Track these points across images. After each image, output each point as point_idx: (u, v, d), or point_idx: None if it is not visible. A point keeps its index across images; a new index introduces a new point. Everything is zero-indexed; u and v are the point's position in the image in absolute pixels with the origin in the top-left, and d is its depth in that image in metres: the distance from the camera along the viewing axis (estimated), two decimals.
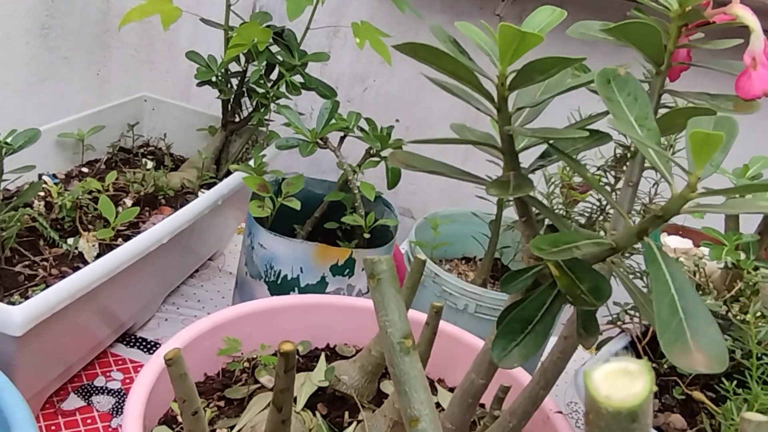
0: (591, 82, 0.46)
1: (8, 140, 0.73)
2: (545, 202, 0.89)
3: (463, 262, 1.11)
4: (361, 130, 0.98)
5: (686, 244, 1.13)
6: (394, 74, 1.59)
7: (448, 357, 0.83)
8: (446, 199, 1.51)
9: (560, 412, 0.73)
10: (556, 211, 0.91)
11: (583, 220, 0.84)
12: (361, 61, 1.72)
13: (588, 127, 0.52)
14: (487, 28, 0.46)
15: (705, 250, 0.91)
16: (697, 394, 0.74)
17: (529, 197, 0.48)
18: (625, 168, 0.76)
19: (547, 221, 0.53)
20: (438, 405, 0.81)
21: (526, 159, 0.51)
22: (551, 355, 0.57)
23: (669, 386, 0.78)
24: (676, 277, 0.40)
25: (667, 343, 0.37)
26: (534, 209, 0.50)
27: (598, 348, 0.86)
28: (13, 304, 0.65)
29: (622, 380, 0.20)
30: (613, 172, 0.76)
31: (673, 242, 1.12)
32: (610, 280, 0.51)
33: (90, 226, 0.88)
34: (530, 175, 0.62)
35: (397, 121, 1.91)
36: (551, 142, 0.47)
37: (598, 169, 0.78)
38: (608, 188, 0.77)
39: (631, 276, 0.69)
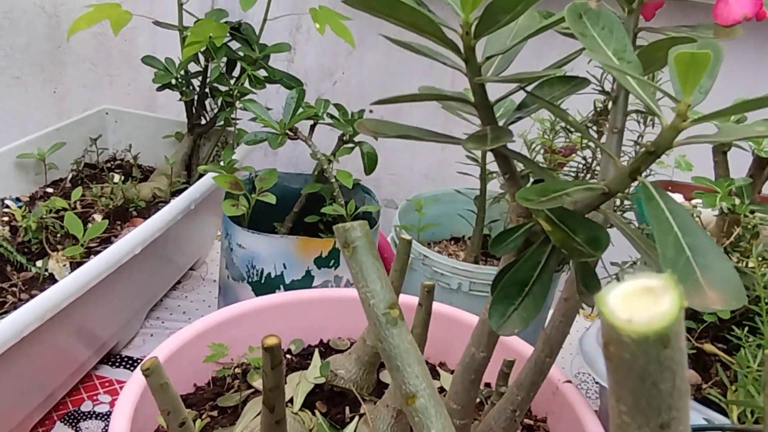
0: (563, 20, 0.43)
1: None
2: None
3: (452, 242, 1.08)
4: (331, 117, 0.95)
5: (678, 198, 1.10)
6: (362, 64, 1.55)
7: (446, 339, 0.79)
8: (430, 185, 1.48)
9: (569, 381, 0.70)
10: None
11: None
12: (328, 55, 1.68)
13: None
14: None
15: (698, 202, 0.89)
16: (709, 347, 0.72)
17: (511, 151, 0.45)
18: (608, 119, 0.73)
19: (532, 176, 0.50)
20: (441, 390, 0.77)
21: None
22: (553, 320, 0.54)
23: None
24: (677, 214, 0.37)
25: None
26: (518, 165, 0.47)
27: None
28: None
29: (643, 300, 0.17)
30: (595, 127, 0.73)
31: None
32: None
33: (59, 246, 0.84)
34: (510, 144, 0.59)
35: (370, 111, 1.88)
36: (527, 89, 0.44)
37: (571, 133, 0.75)
38: (592, 144, 0.74)
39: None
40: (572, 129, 0.86)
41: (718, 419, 0.59)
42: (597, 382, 0.68)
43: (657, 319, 0.17)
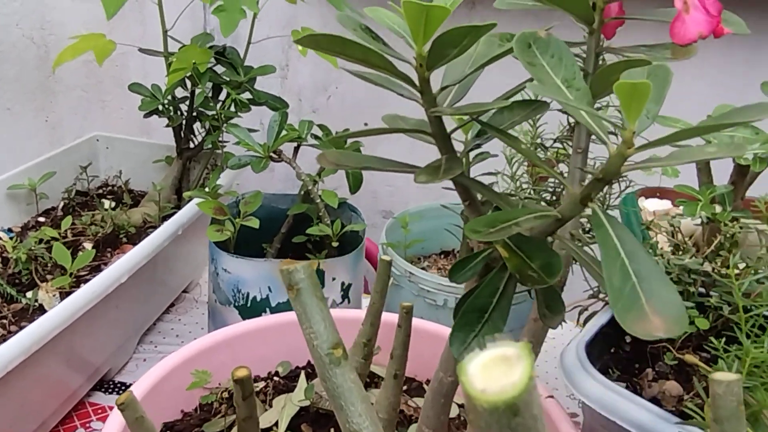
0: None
1: None
2: (510, 183, 0.86)
3: (442, 256, 1.08)
4: (315, 137, 0.96)
5: (665, 205, 1.11)
6: (356, 78, 1.57)
7: (432, 355, 0.80)
8: (428, 195, 1.49)
9: (551, 396, 0.71)
10: (524, 189, 0.88)
11: (549, 197, 0.81)
12: (321, 70, 1.70)
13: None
14: (396, 9, 0.44)
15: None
16: (690, 357, 0.72)
17: (469, 180, 0.46)
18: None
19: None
20: None
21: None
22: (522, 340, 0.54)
23: (660, 353, 0.75)
24: (625, 241, 0.38)
25: (622, 311, 0.35)
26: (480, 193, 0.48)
27: (584, 324, 0.83)
28: None
29: (499, 369, 0.17)
30: (570, 142, 0.73)
31: (651, 205, 1.10)
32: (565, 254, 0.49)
33: (49, 276, 0.86)
34: (494, 158, 0.60)
35: (365, 124, 1.89)
36: (480, 118, 0.45)
37: (555, 141, 0.76)
38: (568, 159, 0.75)
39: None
40: (554, 139, 0.87)
41: None
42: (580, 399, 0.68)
43: (508, 389, 0.17)
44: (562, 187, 0.78)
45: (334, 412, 0.32)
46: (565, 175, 0.78)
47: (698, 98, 0.95)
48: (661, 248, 0.82)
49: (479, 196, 0.47)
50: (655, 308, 0.35)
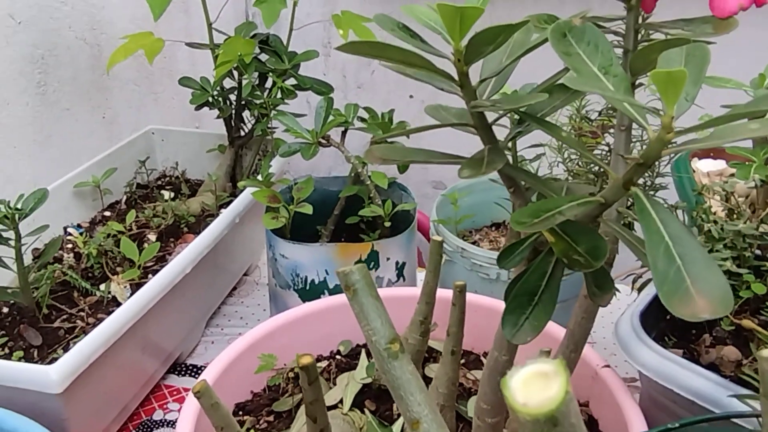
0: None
1: (18, 206, 0.75)
2: (557, 155, 0.87)
3: (493, 228, 1.10)
4: (362, 120, 0.97)
5: (719, 165, 1.08)
6: None
7: (489, 329, 0.81)
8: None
9: (607, 366, 0.72)
10: (572, 159, 0.89)
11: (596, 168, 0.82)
12: None
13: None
14: (432, 7, 0.45)
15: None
16: (747, 322, 0.72)
17: (511, 168, 0.47)
18: None
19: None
20: None
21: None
22: (575, 316, 0.56)
23: (716, 320, 0.76)
24: (668, 224, 0.39)
25: (668, 294, 0.36)
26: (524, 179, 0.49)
27: (640, 290, 0.83)
28: (55, 360, 0.68)
29: (538, 384, 0.19)
30: (614, 113, 0.73)
31: (704, 166, 1.08)
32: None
33: (119, 269, 0.91)
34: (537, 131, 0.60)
35: (411, 96, 1.89)
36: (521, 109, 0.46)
37: (600, 113, 0.76)
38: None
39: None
40: (599, 111, 0.87)
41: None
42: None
43: (546, 403, 0.19)
44: (608, 160, 0.78)
45: (395, 402, 0.34)
46: (611, 147, 0.78)
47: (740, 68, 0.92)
48: (715, 213, 0.81)
49: (523, 183, 0.48)
50: (701, 290, 0.36)
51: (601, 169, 0.77)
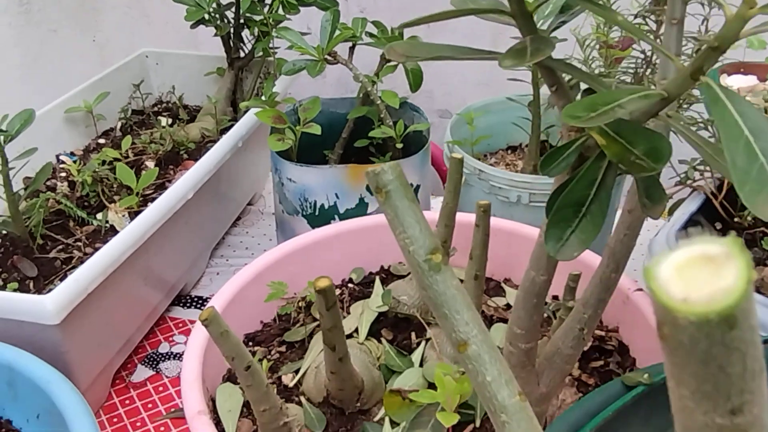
0: None
1: (3, 127, 0.69)
2: (583, 68, 0.80)
3: (509, 152, 1.04)
4: (371, 35, 0.90)
5: (750, 81, 1.02)
6: None
7: (509, 254, 0.77)
8: (484, 92, 1.43)
9: (640, 290, 0.68)
10: (600, 74, 0.82)
11: (628, 80, 0.76)
12: None
13: None
14: None
15: None
16: None
17: (555, 61, 0.41)
18: (665, 7, 0.67)
19: (582, 85, 0.46)
20: (509, 306, 0.76)
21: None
22: (616, 233, 0.51)
23: (757, 239, 0.71)
24: (747, 117, 0.33)
25: (750, 194, 0.31)
26: (564, 75, 0.43)
27: (671, 212, 0.79)
28: (50, 291, 0.63)
29: (703, 272, 0.14)
30: (653, 17, 0.67)
31: (735, 81, 1.02)
32: (668, 137, 0.44)
33: (116, 197, 0.85)
34: (562, 43, 0.54)
35: (401, 27, 1.81)
36: None
37: (635, 17, 0.69)
38: (651, 36, 0.68)
39: (693, 128, 0.61)
40: (635, 14, 0.80)
41: None
42: None
43: (720, 297, 0.14)
44: (643, 68, 0.72)
45: (438, 322, 0.29)
46: (648, 53, 0.72)
47: None
48: None
49: (567, 80, 0.43)
50: None
51: (633, 81, 0.71)
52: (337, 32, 0.85)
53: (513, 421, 0.29)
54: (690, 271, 0.14)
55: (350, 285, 0.78)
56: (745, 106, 0.34)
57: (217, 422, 0.60)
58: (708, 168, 0.76)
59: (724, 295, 0.14)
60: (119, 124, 1.05)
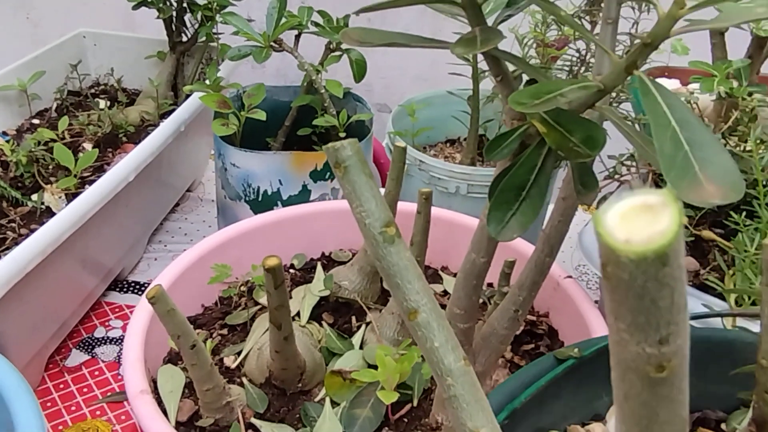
0: None
1: None
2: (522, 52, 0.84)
3: (448, 144, 1.07)
4: (316, 24, 0.91)
5: (673, 84, 1.08)
6: None
7: (447, 243, 0.80)
8: (423, 87, 1.45)
9: (570, 277, 0.71)
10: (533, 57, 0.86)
11: (563, 76, 0.79)
12: None
13: None
14: None
15: (696, 86, 0.87)
16: (707, 233, 0.72)
17: (502, 51, 0.43)
18: (601, 8, 0.70)
19: (525, 77, 0.48)
20: (446, 293, 0.79)
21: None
22: (551, 220, 0.54)
23: None
24: (675, 108, 0.36)
25: (675, 179, 0.34)
26: (510, 66, 0.46)
27: (598, 206, 0.83)
28: None
29: (642, 218, 0.16)
30: (588, 17, 0.70)
31: None
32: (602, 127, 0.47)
33: (52, 178, 0.84)
34: (502, 41, 0.57)
35: (356, 14, 1.82)
36: None
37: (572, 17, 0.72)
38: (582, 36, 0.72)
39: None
40: (572, 14, 0.84)
41: (717, 304, 0.60)
42: (597, 275, 0.69)
43: (656, 238, 0.16)
44: (578, 66, 0.76)
45: (390, 291, 0.31)
46: (583, 52, 0.75)
47: None
48: None
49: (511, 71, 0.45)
50: (710, 175, 0.34)
51: (570, 77, 0.75)
52: (284, 20, 0.86)
53: (458, 384, 0.31)
54: (632, 218, 0.17)
55: (292, 270, 0.79)
56: (673, 99, 0.37)
57: (159, 403, 0.60)
58: (635, 164, 0.81)
59: (659, 237, 0.16)
60: (55, 105, 1.02)
